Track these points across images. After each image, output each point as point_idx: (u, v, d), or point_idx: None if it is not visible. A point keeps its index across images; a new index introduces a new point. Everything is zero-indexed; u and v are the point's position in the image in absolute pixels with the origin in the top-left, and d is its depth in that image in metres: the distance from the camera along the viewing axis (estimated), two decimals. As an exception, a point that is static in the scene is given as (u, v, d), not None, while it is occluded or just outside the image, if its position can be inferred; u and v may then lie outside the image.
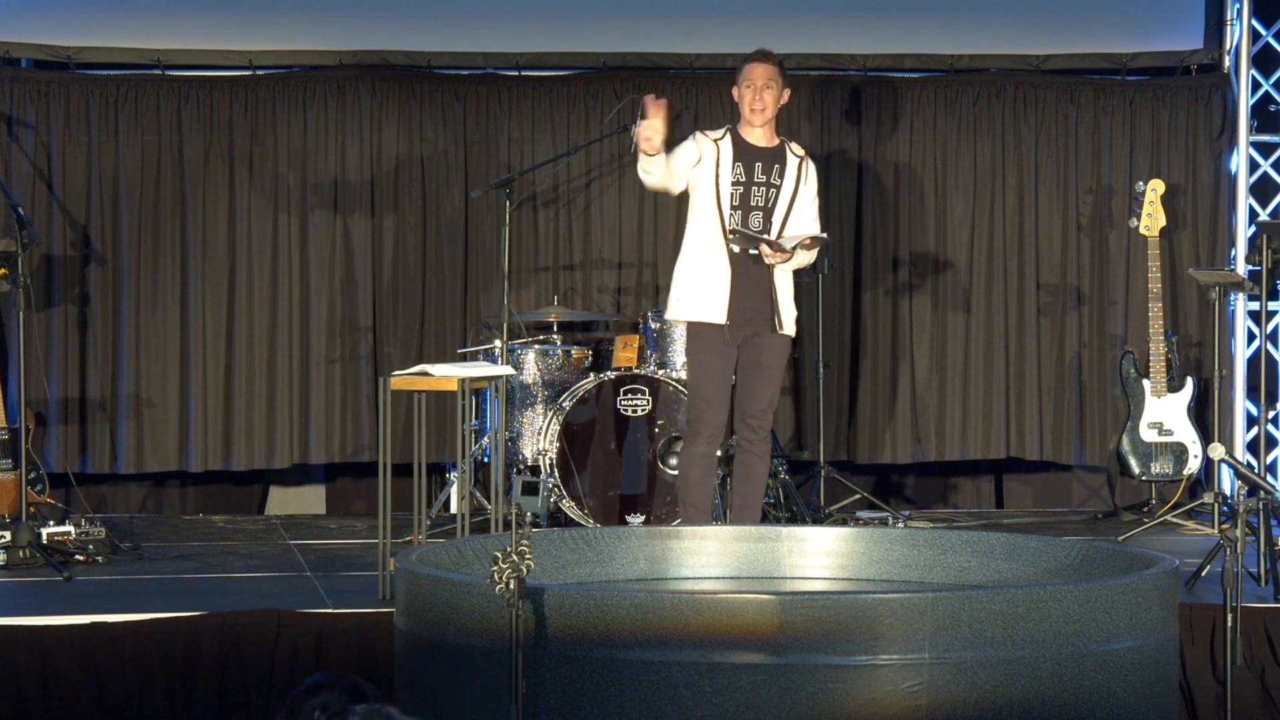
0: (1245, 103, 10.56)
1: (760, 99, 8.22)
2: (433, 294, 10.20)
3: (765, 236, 8.15)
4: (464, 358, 9.58)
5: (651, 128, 8.02)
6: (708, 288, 8.17)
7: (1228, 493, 9.63)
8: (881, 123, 10.44)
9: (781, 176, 8.26)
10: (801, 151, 8.38)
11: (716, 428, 8.24)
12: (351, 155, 10.12)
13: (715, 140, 8.25)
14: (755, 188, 8.23)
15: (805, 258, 8.30)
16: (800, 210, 8.28)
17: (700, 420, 8.23)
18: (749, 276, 8.19)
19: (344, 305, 10.12)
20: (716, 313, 8.17)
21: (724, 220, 8.17)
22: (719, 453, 8.80)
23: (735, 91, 8.31)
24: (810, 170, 8.35)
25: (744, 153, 8.24)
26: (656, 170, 8.08)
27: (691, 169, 8.18)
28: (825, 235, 8.42)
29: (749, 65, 8.30)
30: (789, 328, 8.28)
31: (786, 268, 8.24)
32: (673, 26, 10.34)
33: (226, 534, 9.56)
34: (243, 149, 10.05)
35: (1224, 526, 8.88)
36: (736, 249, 8.16)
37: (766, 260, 8.15)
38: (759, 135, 8.27)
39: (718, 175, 8.18)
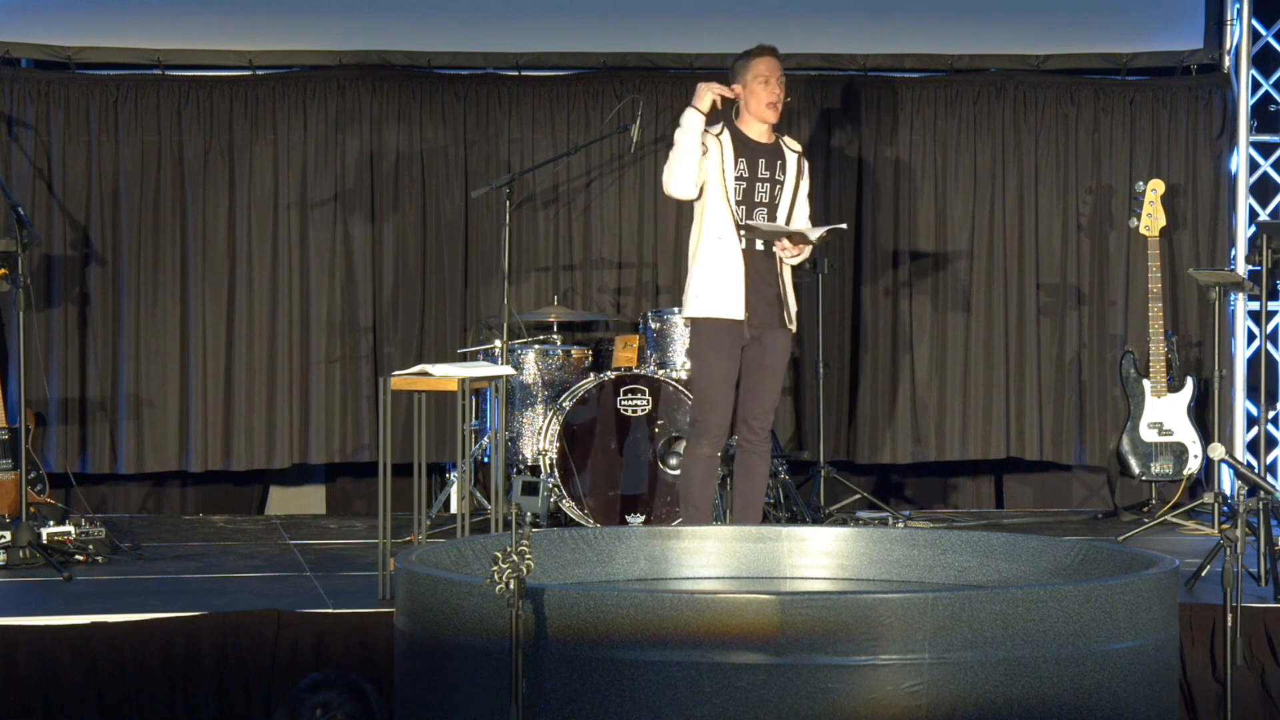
0: (1245, 103, 10.56)
1: (777, 92, 8.10)
2: (433, 294, 10.20)
3: (785, 228, 8.06)
4: (464, 358, 9.57)
5: (712, 87, 7.99)
6: (723, 284, 8.04)
7: (1228, 493, 9.62)
8: (881, 123, 10.43)
9: (784, 172, 8.16)
10: (798, 147, 8.29)
11: (721, 430, 8.16)
12: (351, 155, 10.12)
13: (715, 135, 8.10)
14: (759, 184, 8.12)
15: (809, 252, 8.21)
16: (800, 206, 8.22)
17: (705, 422, 8.14)
18: (760, 272, 8.09)
19: (344, 305, 10.12)
20: (734, 308, 8.04)
21: (734, 215, 8.07)
22: (718, 453, 8.81)
23: (736, 89, 8.13)
24: (806, 166, 8.27)
25: (745, 148, 8.12)
26: (693, 148, 7.94)
27: (704, 161, 8.06)
28: (844, 225, 8.54)
29: (758, 59, 8.13)
30: (794, 323, 8.25)
31: (794, 262, 8.15)
32: (673, 26, 10.33)
33: (226, 534, 9.56)
34: (243, 149, 10.05)
35: (1224, 526, 8.88)
36: (745, 245, 8.07)
37: (782, 255, 8.07)
38: (759, 131, 8.15)
39: (723, 169, 8.07)
